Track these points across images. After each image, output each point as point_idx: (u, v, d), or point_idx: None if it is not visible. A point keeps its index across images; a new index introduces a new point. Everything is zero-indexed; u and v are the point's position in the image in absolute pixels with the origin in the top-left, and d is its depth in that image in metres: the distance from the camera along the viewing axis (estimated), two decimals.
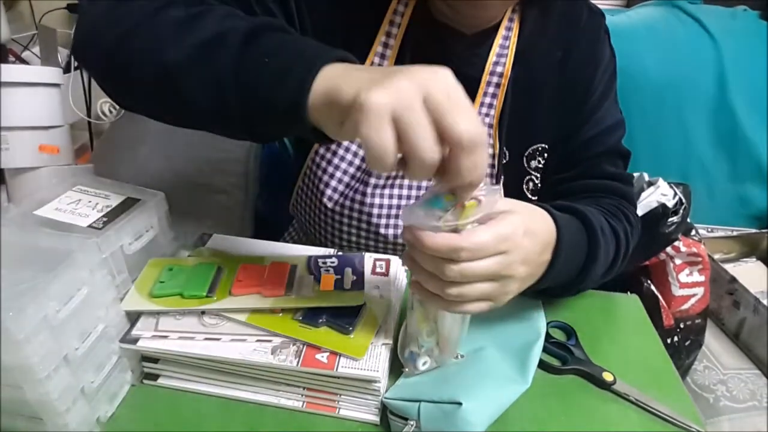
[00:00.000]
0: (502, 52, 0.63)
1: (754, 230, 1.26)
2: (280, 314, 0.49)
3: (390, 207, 0.67)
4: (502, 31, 0.63)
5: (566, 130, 0.66)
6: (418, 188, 0.68)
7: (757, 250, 1.24)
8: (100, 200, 0.53)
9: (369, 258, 0.57)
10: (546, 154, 0.67)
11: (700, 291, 0.98)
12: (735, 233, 1.24)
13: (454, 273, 0.39)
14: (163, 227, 0.56)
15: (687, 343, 0.99)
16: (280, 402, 0.48)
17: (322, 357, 0.46)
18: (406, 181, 0.67)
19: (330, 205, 0.68)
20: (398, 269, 0.57)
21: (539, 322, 0.56)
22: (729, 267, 1.14)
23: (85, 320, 0.43)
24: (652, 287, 0.97)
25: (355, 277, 0.53)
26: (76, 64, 1.09)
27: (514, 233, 0.41)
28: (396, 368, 0.49)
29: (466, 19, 0.61)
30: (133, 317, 0.49)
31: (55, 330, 0.40)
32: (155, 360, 0.49)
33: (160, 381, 0.50)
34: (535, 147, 0.67)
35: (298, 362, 0.45)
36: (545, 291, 0.52)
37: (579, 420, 0.49)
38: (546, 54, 0.64)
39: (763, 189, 1.29)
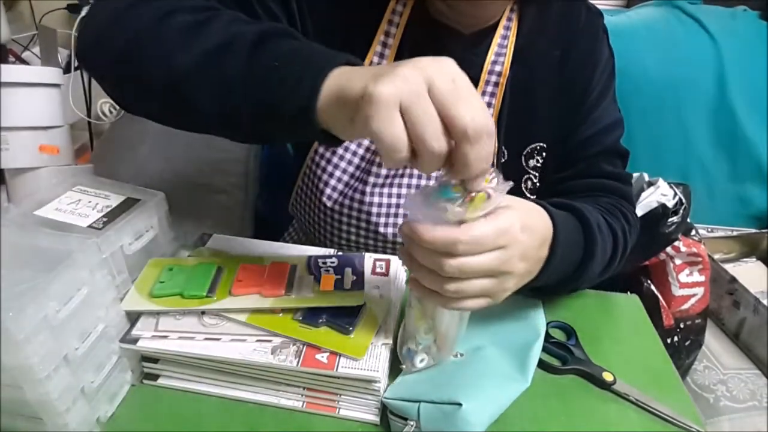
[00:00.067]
0: (501, 51, 0.64)
1: (754, 230, 1.26)
2: (280, 314, 0.49)
3: (389, 206, 0.67)
4: (500, 31, 0.63)
5: (564, 129, 0.66)
6: (417, 188, 0.68)
7: (757, 250, 1.24)
8: (100, 200, 0.53)
9: (369, 258, 0.57)
10: (544, 154, 0.67)
11: (700, 291, 0.98)
12: (735, 233, 1.24)
13: (453, 268, 0.39)
14: (163, 227, 0.56)
15: (687, 343, 0.99)
16: (280, 402, 0.48)
17: (322, 357, 0.46)
18: (405, 180, 0.67)
19: (329, 204, 0.68)
20: (398, 269, 0.57)
21: (539, 321, 0.56)
22: (729, 267, 1.14)
23: (85, 320, 0.43)
24: (652, 287, 0.97)
25: (355, 277, 0.53)
26: (76, 64, 1.09)
27: (512, 228, 0.40)
28: (396, 368, 0.49)
29: (464, 19, 0.61)
30: (133, 317, 0.49)
31: (55, 330, 0.40)
32: (155, 360, 0.49)
33: (160, 381, 0.50)
34: (533, 146, 0.67)
35: (298, 362, 0.45)
36: (541, 288, 0.52)
37: (579, 420, 0.49)
38: (544, 53, 0.65)
39: (763, 189, 1.29)
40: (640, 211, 0.87)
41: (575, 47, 0.64)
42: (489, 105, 0.65)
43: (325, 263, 0.55)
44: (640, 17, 1.36)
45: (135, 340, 0.47)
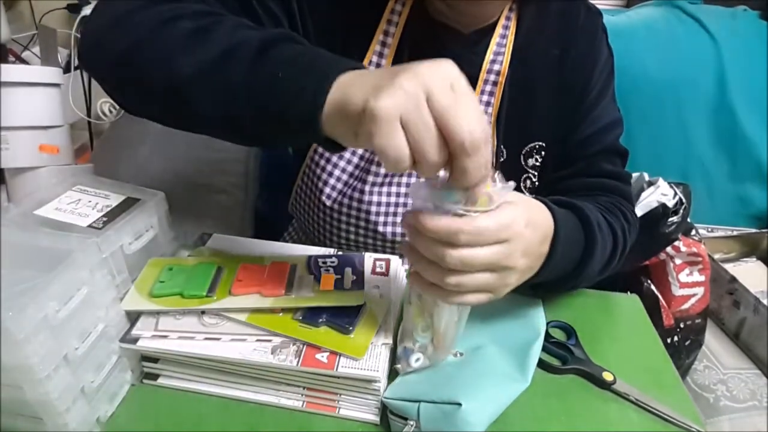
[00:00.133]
0: (500, 50, 0.64)
1: (754, 230, 1.26)
2: (280, 314, 0.49)
3: (388, 205, 0.67)
4: (499, 30, 0.63)
5: (564, 128, 0.66)
6: None
7: (757, 250, 1.24)
8: (100, 200, 0.53)
9: (369, 258, 0.57)
10: (543, 153, 0.67)
11: (700, 291, 0.98)
12: (735, 233, 1.24)
13: (455, 259, 0.39)
14: (163, 227, 0.56)
15: (687, 343, 0.99)
16: (280, 402, 0.48)
17: (322, 357, 0.46)
18: (404, 179, 0.67)
19: (329, 203, 0.68)
20: (398, 269, 0.57)
21: (539, 320, 0.56)
22: (729, 267, 1.14)
23: (85, 320, 0.43)
24: (652, 287, 0.97)
25: (355, 277, 0.53)
26: (76, 63, 1.09)
27: (515, 222, 0.40)
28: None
29: (463, 18, 0.61)
30: (133, 317, 0.49)
31: (55, 330, 0.40)
32: (155, 360, 0.49)
33: (160, 381, 0.50)
34: (532, 145, 0.67)
35: (298, 362, 0.45)
36: (540, 285, 0.52)
37: (579, 420, 0.49)
38: (543, 52, 0.65)
39: (763, 189, 1.29)
40: (640, 211, 0.87)
41: (574, 46, 0.64)
42: (488, 104, 0.65)
43: (325, 263, 0.55)
44: (640, 17, 1.36)
45: (135, 340, 0.47)
